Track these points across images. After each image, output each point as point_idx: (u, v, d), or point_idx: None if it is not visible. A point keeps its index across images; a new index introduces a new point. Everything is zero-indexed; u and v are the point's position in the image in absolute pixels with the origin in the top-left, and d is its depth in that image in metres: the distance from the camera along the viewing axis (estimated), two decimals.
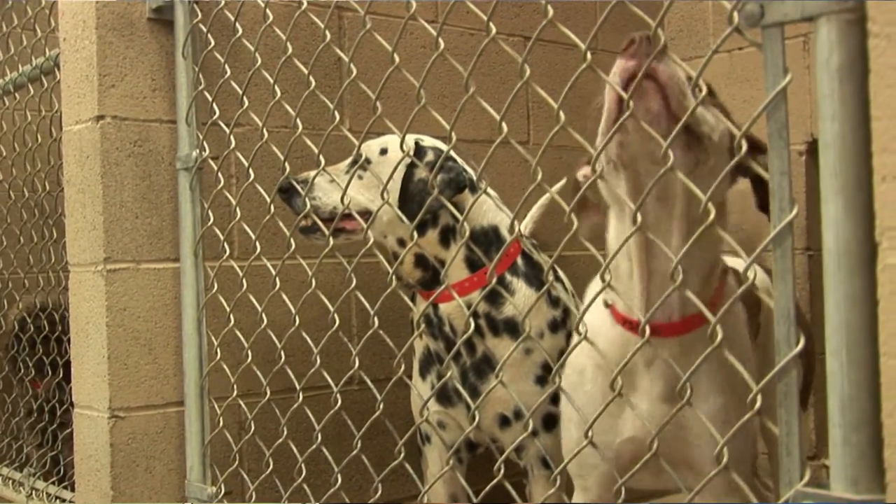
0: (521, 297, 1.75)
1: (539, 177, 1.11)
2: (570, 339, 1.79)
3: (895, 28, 0.74)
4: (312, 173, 1.65)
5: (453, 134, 1.19)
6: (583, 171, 1.30)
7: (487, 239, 1.73)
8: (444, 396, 1.77)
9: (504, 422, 1.74)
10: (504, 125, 1.11)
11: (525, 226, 2.14)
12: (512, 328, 1.72)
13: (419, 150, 1.73)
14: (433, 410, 1.77)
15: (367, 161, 1.71)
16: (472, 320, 1.29)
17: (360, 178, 1.69)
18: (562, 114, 1.02)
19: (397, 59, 1.28)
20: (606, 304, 1.22)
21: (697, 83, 0.89)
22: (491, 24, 1.10)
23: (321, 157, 1.50)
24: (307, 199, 1.64)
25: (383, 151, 1.74)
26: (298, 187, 1.68)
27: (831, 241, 0.80)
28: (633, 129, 1.02)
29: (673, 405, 1.04)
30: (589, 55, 0.98)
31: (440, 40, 1.19)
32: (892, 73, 0.74)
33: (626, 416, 1.22)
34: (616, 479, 1.04)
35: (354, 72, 1.39)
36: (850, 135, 0.79)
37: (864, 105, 0.77)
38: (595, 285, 1.09)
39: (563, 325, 1.80)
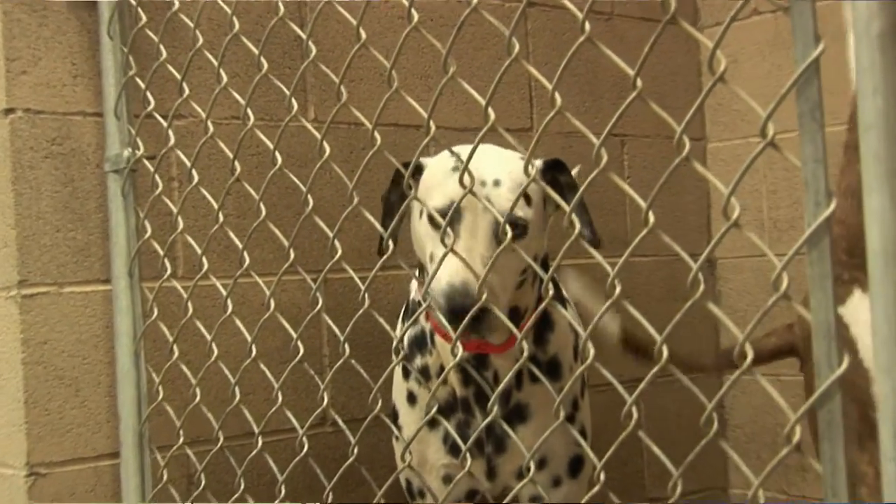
0: (562, 329, 1.79)
1: (534, 170, 1.14)
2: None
3: None
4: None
5: (432, 123, 1.22)
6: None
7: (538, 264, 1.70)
8: (458, 449, 1.80)
9: (521, 471, 1.77)
10: (491, 111, 1.14)
11: None
12: (554, 369, 1.77)
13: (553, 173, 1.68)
14: (441, 464, 1.80)
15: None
16: (525, 367, 1.33)
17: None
18: (558, 97, 1.05)
19: (363, 34, 1.30)
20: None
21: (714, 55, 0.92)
22: None
23: (277, 156, 1.52)
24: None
25: (497, 183, 1.60)
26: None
27: (876, 239, 0.82)
28: None
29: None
30: (588, 26, 1.01)
31: (413, 11, 1.21)
32: None
33: None
34: None
35: (314, 51, 1.41)
36: (895, 111, 0.81)
37: None
38: None
39: (578, 350, 1.84)
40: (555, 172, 1.67)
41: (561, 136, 2.58)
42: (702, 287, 0.96)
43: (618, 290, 1.07)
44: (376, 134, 1.33)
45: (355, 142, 2.25)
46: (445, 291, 1.44)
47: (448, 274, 1.44)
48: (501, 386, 1.39)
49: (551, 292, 1.20)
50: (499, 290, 1.53)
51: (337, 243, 1.44)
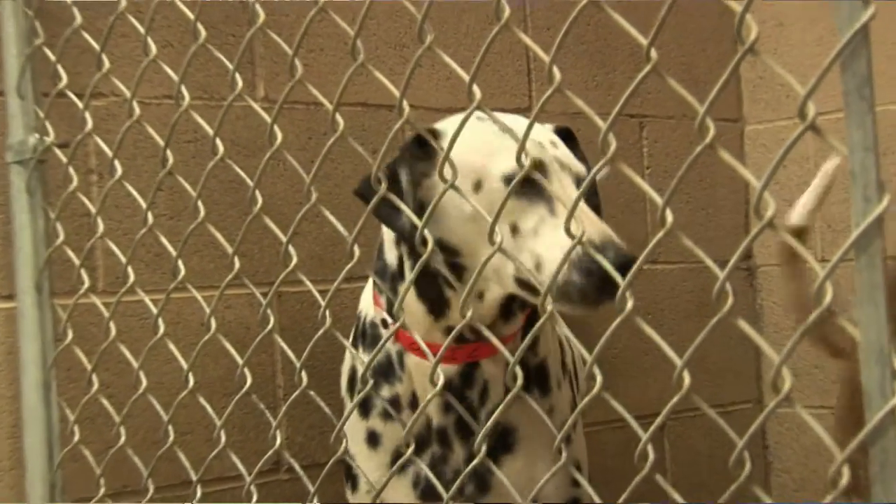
0: (551, 340, 1.83)
1: (527, 159, 1.15)
2: (573, 387, 1.88)
3: None
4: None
5: (405, 103, 1.24)
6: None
7: None
8: (432, 492, 1.80)
9: None
10: (476, 88, 1.16)
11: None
12: (542, 379, 1.79)
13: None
14: None
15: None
16: (517, 375, 1.33)
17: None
18: (556, 71, 1.07)
19: None
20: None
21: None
22: None
23: (219, 143, 1.54)
24: None
25: (553, 143, 1.69)
26: None
27: None
28: None
29: None
30: None
31: None
32: None
33: None
34: None
35: (262, 15, 1.43)
36: None
37: None
38: None
39: (566, 367, 1.88)
40: (569, 144, 1.72)
41: (566, 118, 2.59)
42: (730, 300, 0.97)
43: (629, 304, 1.08)
44: (339, 116, 1.34)
45: (314, 126, 2.27)
46: (606, 244, 1.46)
47: (592, 230, 1.47)
48: (500, 410, 1.33)
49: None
50: None
51: (292, 249, 1.46)
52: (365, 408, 1.80)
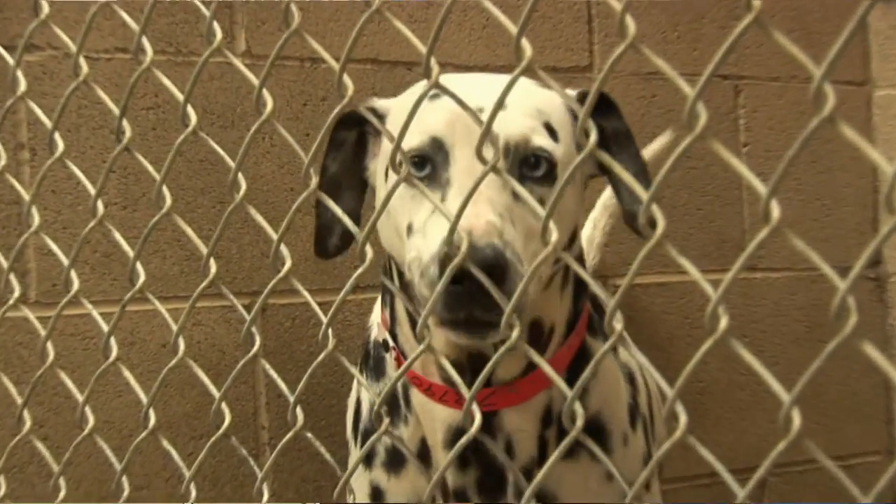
0: (609, 372, 1.85)
1: (594, 135, 1.16)
2: (648, 435, 1.89)
3: None
4: None
5: (433, 61, 1.24)
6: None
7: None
8: None
9: None
10: (525, 43, 1.16)
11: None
12: (598, 436, 1.79)
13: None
14: None
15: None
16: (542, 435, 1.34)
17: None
18: (630, 21, 1.07)
19: None
20: None
21: None
22: None
23: (190, 111, 1.55)
24: None
25: (502, 106, 1.71)
26: None
27: None
28: None
29: None
30: None
31: None
32: None
33: None
34: None
35: None
36: None
37: None
38: None
39: (638, 411, 1.89)
40: (596, 114, 1.69)
41: (638, 80, 2.60)
42: (853, 318, 0.98)
43: (723, 322, 1.08)
44: (346, 78, 1.35)
45: (311, 88, 2.28)
46: (446, 242, 1.41)
47: (472, 222, 1.47)
48: (533, 484, 1.31)
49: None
50: (523, 257, 1.54)
51: (284, 250, 1.46)
52: (367, 455, 1.81)
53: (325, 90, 2.26)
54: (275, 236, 1.46)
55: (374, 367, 1.83)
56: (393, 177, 1.58)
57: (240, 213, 1.50)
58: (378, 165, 1.75)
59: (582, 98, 1.66)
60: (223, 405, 1.57)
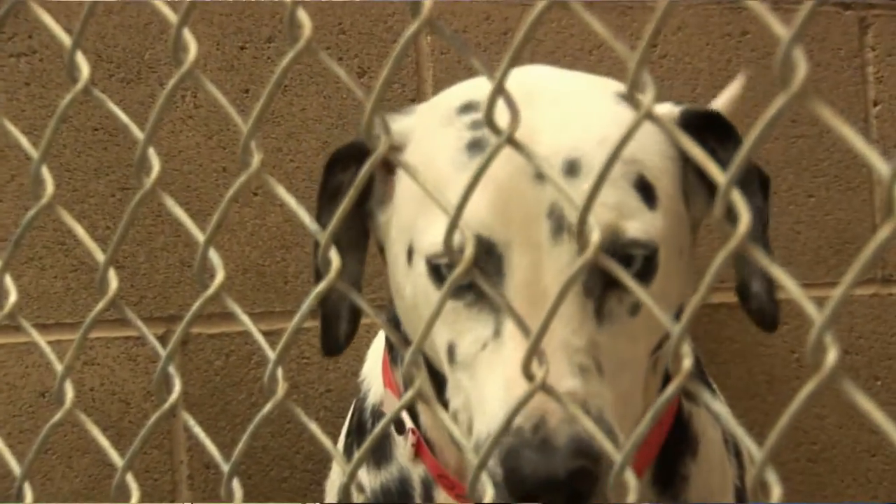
0: (711, 447, 1.93)
1: (745, 223, 1.23)
2: None
3: None
4: None
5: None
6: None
7: None
8: None
9: None
10: None
11: None
12: None
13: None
14: None
15: None
16: None
17: None
18: None
19: None
20: None
21: None
22: None
23: (80, 59, 1.60)
24: None
25: (573, 168, 1.67)
26: None
27: None
28: None
29: None
30: None
31: None
32: None
33: None
34: None
35: None
36: None
37: None
38: None
39: (746, 497, 1.96)
40: (703, 133, 1.71)
41: (721, 11, 2.64)
42: None
43: (831, 356, 1.13)
44: (302, 11, 1.40)
45: (252, 26, 2.33)
46: (512, 433, 1.46)
47: (505, 400, 1.49)
48: None
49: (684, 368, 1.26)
50: (621, 412, 1.58)
51: (214, 257, 1.50)
52: None
53: (271, 28, 2.30)
54: (201, 237, 1.47)
55: (374, 447, 1.81)
56: (418, 265, 1.64)
57: (150, 205, 1.54)
58: (392, 221, 1.75)
59: (690, 121, 1.70)
60: (128, 477, 1.61)
